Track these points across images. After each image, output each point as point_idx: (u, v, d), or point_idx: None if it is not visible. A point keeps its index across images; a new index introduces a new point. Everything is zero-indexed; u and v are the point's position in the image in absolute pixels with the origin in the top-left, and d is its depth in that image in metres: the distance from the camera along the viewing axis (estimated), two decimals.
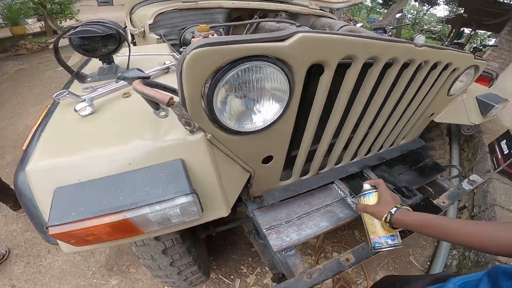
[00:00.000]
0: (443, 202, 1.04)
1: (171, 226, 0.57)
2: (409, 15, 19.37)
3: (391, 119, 1.05)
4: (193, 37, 1.37)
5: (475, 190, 1.94)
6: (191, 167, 0.57)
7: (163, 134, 0.58)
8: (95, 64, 0.96)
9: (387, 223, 0.72)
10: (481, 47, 3.77)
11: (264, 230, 0.89)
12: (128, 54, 0.90)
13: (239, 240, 1.69)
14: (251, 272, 1.54)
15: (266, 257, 1.08)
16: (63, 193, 0.50)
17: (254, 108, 0.58)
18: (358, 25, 4.10)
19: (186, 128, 0.52)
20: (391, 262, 1.65)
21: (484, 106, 1.36)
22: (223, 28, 1.59)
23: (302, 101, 0.68)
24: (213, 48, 0.44)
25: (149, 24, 1.53)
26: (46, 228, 0.45)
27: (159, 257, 0.94)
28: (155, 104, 0.59)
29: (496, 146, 2.27)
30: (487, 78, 2.93)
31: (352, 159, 1.10)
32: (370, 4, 20.20)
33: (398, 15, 4.55)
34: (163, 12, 1.51)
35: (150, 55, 1.11)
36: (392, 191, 0.83)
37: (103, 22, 0.80)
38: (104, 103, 0.72)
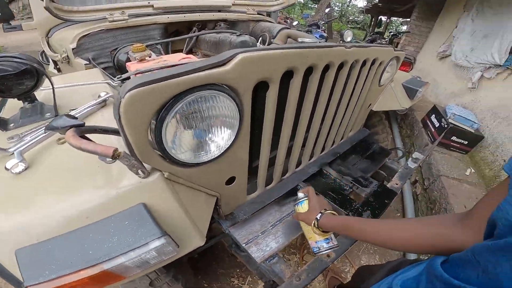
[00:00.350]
0: (396, 184, 1.15)
1: (151, 266, 0.55)
2: (336, 8, 21.03)
3: (337, 115, 1.13)
4: (128, 59, 1.28)
5: (421, 165, 2.19)
6: (155, 208, 0.54)
7: (116, 181, 0.54)
8: (14, 104, 0.83)
9: (317, 228, 0.75)
10: (398, 34, 4.31)
11: (244, 245, 0.89)
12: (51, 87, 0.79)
13: (221, 254, 1.65)
14: (243, 282, 1.53)
15: (252, 267, 1.07)
16: (26, 254, 0.48)
17: (207, 139, 0.56)
18: (294, 23, 4.33)
19: (139, 176, 0.48)
20: (370, 246, 1.78)
21: (410, 92, 1.56)
22: (161, 45, 1.51)
23: (253, 116, 0.68)
24: (149, 87, 0.40)
25: (73, 49, 1.37)
26: None
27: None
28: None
29: (427, 120, 2.63)
30: (407, 63, 3.38)
31: (310, 159, 1.16)
32: (302, 1, 21.57)
33: (327, 10, 4.95)
34: (88, 34, 1.37)
35: (80, 85, 0.99)
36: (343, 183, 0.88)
37: (13, 57, 0.70)
38: (37, 153, 0.62)
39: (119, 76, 0.89)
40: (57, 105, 0.80)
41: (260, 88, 0.69)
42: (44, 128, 0.68)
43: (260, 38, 1.53)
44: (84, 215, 0.50)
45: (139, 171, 0.48)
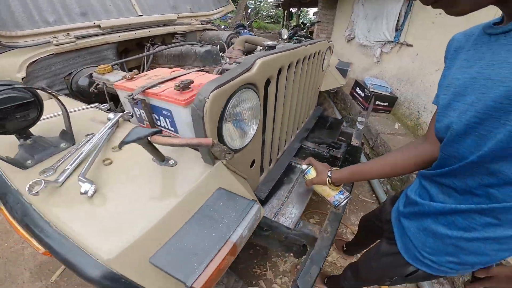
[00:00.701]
0: (356, 142, 1.50)
1: (247, 236, 0.64)
2: (251, 6, 22.07)
3: (302, 98, 1.40)
4: (91, 82, 1.25)
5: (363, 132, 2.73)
6: (228, 189, 0.66)
7: (191, 176, 0.63)
8: None
9: (331, 184, 0.90)
10: (311, 24, 4.96)
11: (273, 218, 1.02)
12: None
13: None
14: (265, 269, 1.62)
15: (275, 245, 1.21)
16: (161, 258, 0.51)
17: (246, 127, 0.73)
18: (222, 27, 4.50)
19: (226, 158, 0.59)
20: (352, 207, 2.13)
21: (342, 72, 1.99)
22: (117, 65, 1.50)
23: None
24: (223, 88, 0.56)
25: (22, 78, 1.27)
26: (190, 287, 0.47)
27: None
28: (161, 157, 0.64)
29: (354, 93, 3.22)
30: None
31: (291, 137, 1.40)
32: None
33: (250, 10, 5.32)
34: (36, 60, 1.27)
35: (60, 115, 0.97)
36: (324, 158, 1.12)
37: (11, 84, 0.64)
38: (92, 177, 0.65)
39: (130, 95, 0.91)
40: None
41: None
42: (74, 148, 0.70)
43: (218, 46, 1.67)
44: (185, 209, 0.58)
45: (226, 155, 0.58)
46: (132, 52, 1.80)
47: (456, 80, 0.51)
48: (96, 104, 1.09)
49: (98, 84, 1.32)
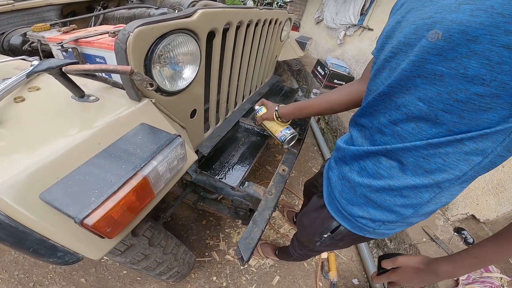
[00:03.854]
0: None
1: (170, 180, 0.60)
2: None
3: (256, 63, 1.41)
4: (25, 41, 1.15)
5: None
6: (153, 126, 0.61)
7: (111, 111, 0.59)
8: None
9: (278, 119, 0.97)
10: (283, 4, 4.91)
11: (217, 177, 1.00)
12: None
13: (186, 223, 1.71)
14: (218, 240, 1.63)
15: (225, 211, 1.24)
16: (55, 194, 0.42)
17: (179, 70, 0.71)
18: None
19: (148, 89, 0.54)
20: (303, 174, 2.23)
21: (301, 45, 2.03)
22: (58, 25, 1.37)
23: (206, 63, 0.85)
24: (150, 26, 0.54)
25: None
26: (81, 223, 0.39)
27: (151, 251, 0.89)
28: (80, 92, 0.60)
29: (315, 71, 3.32)
30: (295, 27, 4.00)
31: (243, 100, 1.43)
32: None
33: None
34: None
35: None
36: None
37: None
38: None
39: (59, 42, 0.83)
40: None
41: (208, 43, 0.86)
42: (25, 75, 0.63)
43: (176, 10, 1.58)
44: (95, 142, 0.52)
45: (148, 85, 0.54)
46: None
47: (387, 26, 0.55)
48: (23, 56, 0.99)
49: (32, 43, 1.21)
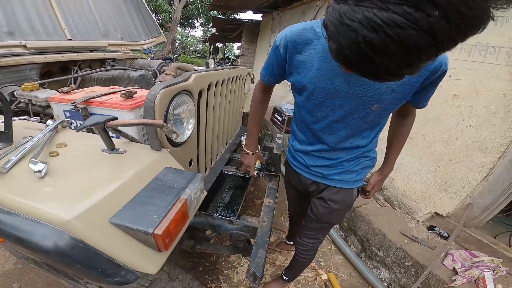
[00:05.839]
0: (277, 151, 1.79)
1: (195, 206, 0.75)
2: (177, 41, 22.44)
3: (229, 117, 1.67)
4: (13, 100, 1.24)
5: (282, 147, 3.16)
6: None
7: (141, 159, 0.74)
8: None
9: (247, 152, 1.25)
10: (236, 58, 5.61)
11: (216, 215, 1.14)
12: None
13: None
14: (219, 283, 1.63)
15: (223, 250, 1.32)
16: (122, 216, 0.56)
17: (184, 125, 0.92)
18: (149, 58, 4.61)
19: (171, 137, 0.72)
20: (283, 212, 2.29)
21: None
22: (45, 84, 1.48)
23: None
24: (169, 88, 0.76)
25: None
26: (152, 234, 0.53)
27: (172, 285, 0.96)
28: (112, 145, 0.76)
29: (274, 118, 3.75)
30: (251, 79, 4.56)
31: (222, 150, 1.62)
32: None
33: (177, 45, 5.66)
34: None
35: None
36: None
37: None
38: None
39: (73, 102, 0.95)
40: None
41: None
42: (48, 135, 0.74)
43: (150, 72, 1.81)
44: (137, 181, 0.66)
45: (173, 135, 0.71)
46: (55, 75, 1.76)
47: (320, 87, 0.78)
48: (25, 116, 1.09)
49: (19, 102, 1.29)
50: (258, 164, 1.30)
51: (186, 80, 0.90)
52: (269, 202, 1.31)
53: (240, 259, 1.86)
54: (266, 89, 1.07)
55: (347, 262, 1.93)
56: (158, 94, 0.72)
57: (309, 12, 3.72)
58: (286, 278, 1.55)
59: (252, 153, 1.25)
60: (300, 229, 1.32)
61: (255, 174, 1.29)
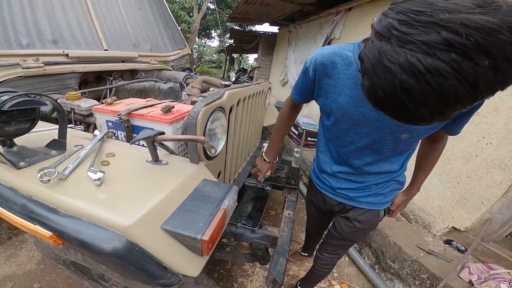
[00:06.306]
0: (296, 165, 1.85)
1: (230, 215, 0.79)
2: (194, 51, 22.91)
3: (252, 130, 1.72)
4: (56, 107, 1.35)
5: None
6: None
7: (181, 171, 0.81)
8: None
9: (266, 160, 1.28)
10: (252, 70, 5.72)
11: (239, 224, 1.21)
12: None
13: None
14: None
15: (241, 257, 1.37)
16: (172, 223, 0.62)
17: (218, 139, 0.99)
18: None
19: (210, 152, 0.82)
20: (297, 224, 2.33)
21: (279, 109, 2.46)
22: (85, 93, 1.60)
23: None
24: (209, 105, 0.83)
25: None
26: (200, 240, 0.59)
27: None
28: (156, 157, 0.84)
29: (290, 132, 3.76)
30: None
31: (244, 162, 1.68)
32: None
33: (196, 55, 5.96)
34: (3, 81, 1.28)
35: (49, 130, 1.05)
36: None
37: (14, 91, 0.68)
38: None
39: (119, 114, 1.04)
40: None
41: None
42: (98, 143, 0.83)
43: (177, 84, 1.91)
44: (180, 191, 0.72)
45: (212, 150, 0.81)
46: (90, 84, 1.89)
47: (349, 113, 0.78)
48: (71, 125, 1.19)
49: None
50: (268, 173, 1.36)
51: (221, 97, 0.97)
52: (289, 214, 1.36)
53: (254, 268, 1.89)
54: (294, 106, 1.10)
55: (360, 274, 1.93)
56: (200, 112, 0.80)
57: (326, 26, 3.80)
58: None
59: (269, 162, 1.28)
60: (320, 244, 1.35)
61: (262, 180, 1.34)
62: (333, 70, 0.77)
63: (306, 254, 1.93)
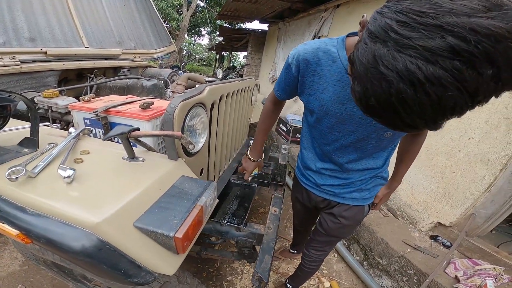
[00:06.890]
0: (282, 162, 1.86)
1: (209, 213, 0.78)
2: (184, 49, 22.67)
3: (238, 126, 1.71)
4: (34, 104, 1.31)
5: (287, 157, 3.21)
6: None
7: (159, 167, 0.79)
8: None
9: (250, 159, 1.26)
10: (241, 67, 5.71)
11: (224, 222, 1.19)
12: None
13: None
14: None
15: (228, 255, 1.37)
16: (145, 221, 0.60)
17: (198, 136, 0.97)
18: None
19: (188, 148, 0.79)
20: (286, 221, 2.34)
21: None
22: (63, 91, 1.55)
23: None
24: (186, 101, 0.81)
25: None
26: (173, 237, 0.57)
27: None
28: (133, 154, 0.81)
29: (279, 129, 3.80)
30: None
31: (230, 159, 1.66)
32: None
33: (184, 53, 5.84)
34: None
35: (19, 129, 1.01)
36: None
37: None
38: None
39: (95, 111, 1.00)
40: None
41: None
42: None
43: (162, 81, 1.88)
44: (157, 188, 0.70)
45: (190, 146, 0.77)
46: (71, 82, 1.83)
47: (332, 111, 0.77)
48: (47, 123, 1.15)
49: (39, 108, 1.35)
50: (255, 172, 1.33)
51: (200, 92, 0.95)
52: (275, 211, 1.35)
53: (243, 266, 1.88)
54: (277, 102, 1.08)
55: (349, 270, 1.95)
56: (177, 107, 0.78)
57: (315, 23, 3.81)
58: (290, 286, 1.57)
59: (254, 160, 1.26)
60: (307, 241, 1.35)
61: (249, 179, 1.32)
62: (317, 67, 0.75)
63: (295, 251, 1.94)
